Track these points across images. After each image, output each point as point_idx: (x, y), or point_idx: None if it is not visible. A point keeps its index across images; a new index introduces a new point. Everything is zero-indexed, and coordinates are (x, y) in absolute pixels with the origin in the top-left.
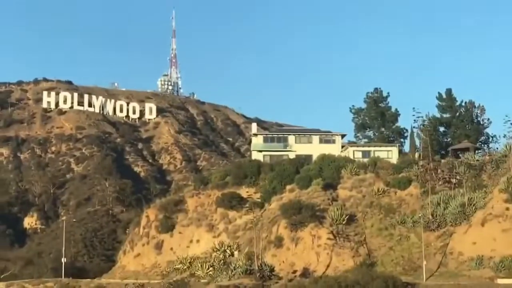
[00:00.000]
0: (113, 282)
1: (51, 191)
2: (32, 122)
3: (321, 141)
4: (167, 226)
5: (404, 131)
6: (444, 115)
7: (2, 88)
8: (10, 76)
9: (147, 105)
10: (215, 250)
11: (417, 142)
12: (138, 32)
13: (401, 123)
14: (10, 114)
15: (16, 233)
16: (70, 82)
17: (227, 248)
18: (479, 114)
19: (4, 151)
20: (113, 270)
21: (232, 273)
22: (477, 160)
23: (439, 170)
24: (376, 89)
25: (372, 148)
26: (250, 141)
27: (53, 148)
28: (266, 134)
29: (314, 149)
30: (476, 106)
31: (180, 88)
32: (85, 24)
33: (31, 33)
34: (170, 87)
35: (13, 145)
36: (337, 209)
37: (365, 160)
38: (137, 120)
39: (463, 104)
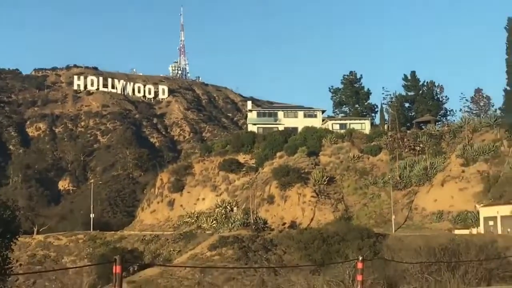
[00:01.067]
0: (133, 233)
1: (81, 158)
2: (65, 101)
3: (305, 116)
4: (178, 187)
5: (375, 107)
6: (409, 93)
7: (40, 73)
8: (46, 63)
9: (160, 87)
10: (217, 206)
11: (386, 116)
12: (152, 25)
13: (372, 100)
14: (46, 95)
15: (52, 194)
16: (96, 68)
17: (228, 205)
18: (438, 92)
19: (42, 126)
20: (133, 224)
21: (232, 225)
22: (437, 131)
23: (405, 139)
24: (351, 72)
25: (348, 121)
26: (246, 116)
27: (83, 123)
28: (259, 110)
29: (300, 122)
30: (436, 85)
31: (187, 72)
32: (109, 19)
33: (63, 27)
34: (179, 72)
35: (49, 121)
36: (319, 171)
37: (342, 131)
38: (152, 99)
39: (425, 83)
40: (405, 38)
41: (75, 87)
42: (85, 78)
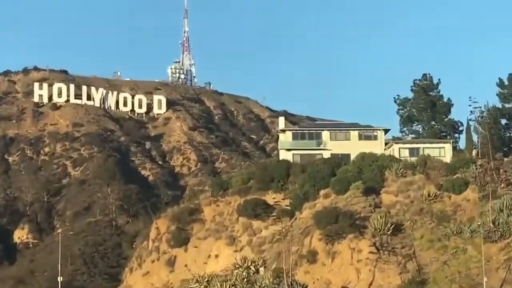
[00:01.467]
0: None
1: (45, 199)
2: (22, 118)
3: (360, 138)
4: (181, 239)
5: (459, 124)
6: (507, 105)
7: None
8: None
9: (156, 98)
10: (237, 266)
11: (475, 137)
12: (143, 11)
13: (455, 115)
14: None
15: (5, 249)
16: (65, 72)
17: (251, 264)
18: None
19: None
20: None
21: None
22: None
23: (501, 170)
24: (424, 75)
25: (421, 145)
26: (277, 138)
27: (47, 149)
28: (296, 130)
29: (353, 146)
30: None
31: (194, 77)
32: (80, 2)
33: (18, 14)
34: (182, 76)
35: (0, 146)
36: (380, 217)
37: (413, 159)
38: (144, 115)
39: None
40: (498, 30)
41: (36, 99)
42: (50, 85)
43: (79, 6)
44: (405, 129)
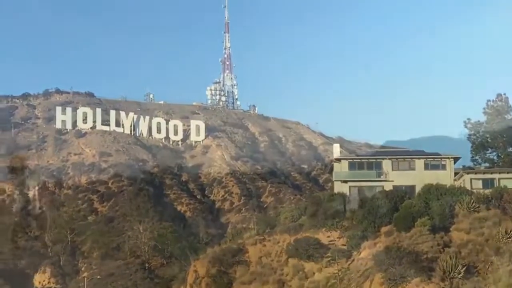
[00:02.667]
0: None
1: (68, 238)
2: (43, 148)
3: (426, 167)
4: (223, 284)
5: None
6: None
7: (3, 103)
8: (13, 87)
9: (193, 123)
10: None
11: None
12: (178, 26)
13: None
14: (13, 137)
15: None
16: (91, 94)
17: None
18: None
19: (7, 187)
20: None
21: None
22: None
23: None
24: (499, 95)
25: (496, 175)
26: (331, 169)
27: (70, 182)
28: (353, 159)
29: (418, 177)
30: None
31: (236, 99)
32: (107, 17)
33: (37, 31)
34: (223, 98)
35: (19, 179)
36: (450, 258)
37: (487, 191)
38: (180, 142)
39: None
40: None
41: (58, 125)
42: (74, 110)
43: (105, 22)
44: (477, 157)
